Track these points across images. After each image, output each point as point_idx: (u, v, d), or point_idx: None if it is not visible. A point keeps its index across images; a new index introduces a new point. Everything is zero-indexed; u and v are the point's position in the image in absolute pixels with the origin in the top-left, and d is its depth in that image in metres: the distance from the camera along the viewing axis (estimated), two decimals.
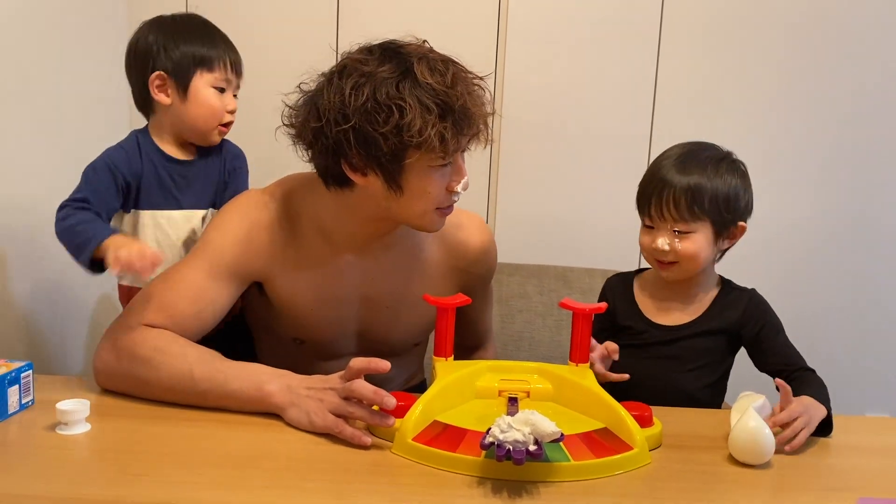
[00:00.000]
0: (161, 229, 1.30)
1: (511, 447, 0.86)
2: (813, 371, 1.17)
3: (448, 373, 1.07)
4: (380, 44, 1.09)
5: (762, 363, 1.23)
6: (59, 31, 1.88)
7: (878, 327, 2.23)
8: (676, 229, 1.18)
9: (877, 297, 2.21)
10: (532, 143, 1.99)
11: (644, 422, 1.02)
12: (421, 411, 0.99)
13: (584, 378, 1.09)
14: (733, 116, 2.16)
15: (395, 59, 1.05)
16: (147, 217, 1.32)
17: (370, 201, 1.12)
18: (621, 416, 1.00)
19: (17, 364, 1.04)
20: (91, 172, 1.30)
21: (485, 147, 1.13)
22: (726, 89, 2.14)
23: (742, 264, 2.13)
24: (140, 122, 1.42)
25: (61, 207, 1.25)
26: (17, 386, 1.03)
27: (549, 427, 0.88)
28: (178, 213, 1.33)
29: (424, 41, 1.11)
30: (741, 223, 1.22)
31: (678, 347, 1.23)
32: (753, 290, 1.27)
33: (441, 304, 1.10)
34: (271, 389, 1.04)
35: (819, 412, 1.04)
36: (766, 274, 2.16)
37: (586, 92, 2.14)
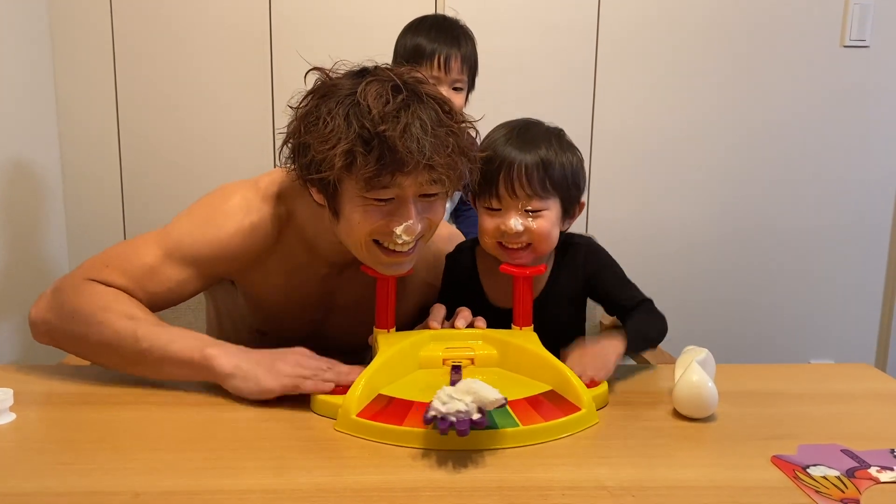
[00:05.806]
0: None
1: (455, 419, 0.84)
2: (645, 302, 1.16)
3: (390, 345, 1.05)
4: (372, 66, 1.03)
5: (609, 306, 1.21)
6: None
7: (824, 275, 2.33)
8: (529, 208, 1.09)
9: (820, 247, 2.32)
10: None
11: (590, 382, 1.01)
12: (364, 386, 0.96)
13: (528, 341, 1.08)
14: (677, 107, 2.21)
15: (359, 78, 1.00)
16: None
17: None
18: (567, 377, 0.99)
19: None
20: None
21: (450, 196, 1.06)
22: (665, 79, 2.19)
23: (703, 228, 2.23)
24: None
25: None
26: None
27: (491, 394, 0.86)
28: None
29: (414, 70, 1.04)
30: (582, 200, 1.16)
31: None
32: (590, 239, 1.22)
33: (380, 274, 1.08)
34: (213, 353, 1.01)
35: (612, 350, 1.07)
36: (715, 229, 2.26)
37: (527, 79, 2.16)
